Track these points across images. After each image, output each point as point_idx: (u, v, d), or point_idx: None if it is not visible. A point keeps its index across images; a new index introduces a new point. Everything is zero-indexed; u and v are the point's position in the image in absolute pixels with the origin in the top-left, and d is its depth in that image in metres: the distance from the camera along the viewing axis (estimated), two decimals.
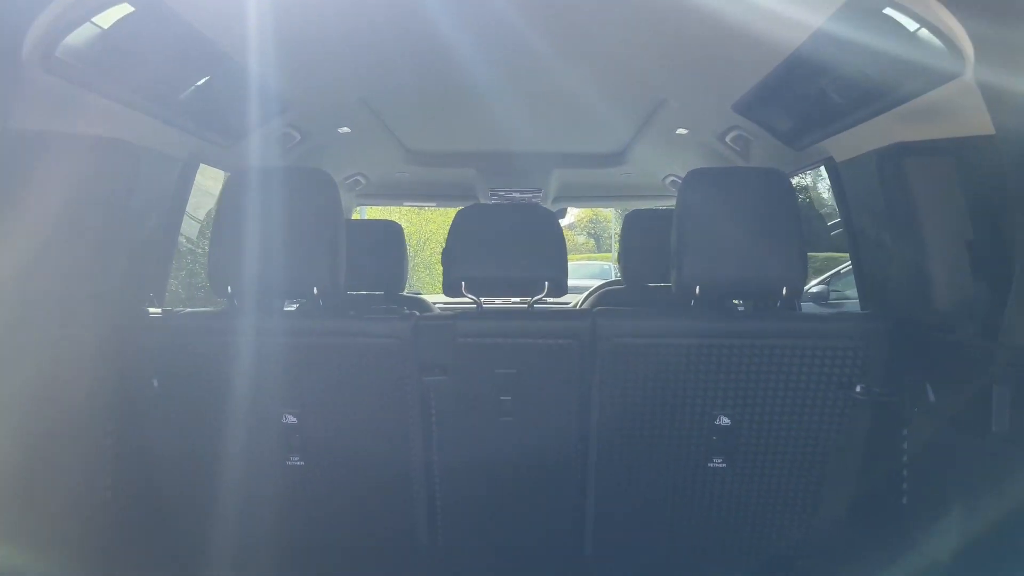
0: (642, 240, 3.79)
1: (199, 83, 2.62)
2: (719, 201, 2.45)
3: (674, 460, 2.59)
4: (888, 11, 2.08)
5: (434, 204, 5.17)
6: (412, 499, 2.66)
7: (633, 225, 3.81)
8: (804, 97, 2.69)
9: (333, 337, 2.46)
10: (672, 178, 4.73)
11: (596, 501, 2.66)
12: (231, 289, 2.46)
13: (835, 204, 3.10)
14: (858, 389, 2.46)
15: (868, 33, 2.15)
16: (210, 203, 4.11)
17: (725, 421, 2.54)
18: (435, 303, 4.76)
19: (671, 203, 5.28)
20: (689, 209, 2.46)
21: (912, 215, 2.33)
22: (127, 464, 2.45)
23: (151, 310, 2.54)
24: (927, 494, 2.25)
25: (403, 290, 4.00)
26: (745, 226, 2.43)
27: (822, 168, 3.03)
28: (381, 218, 4.59)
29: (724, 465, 2.59)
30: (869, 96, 2.29)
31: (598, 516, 2.67)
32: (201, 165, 3.12)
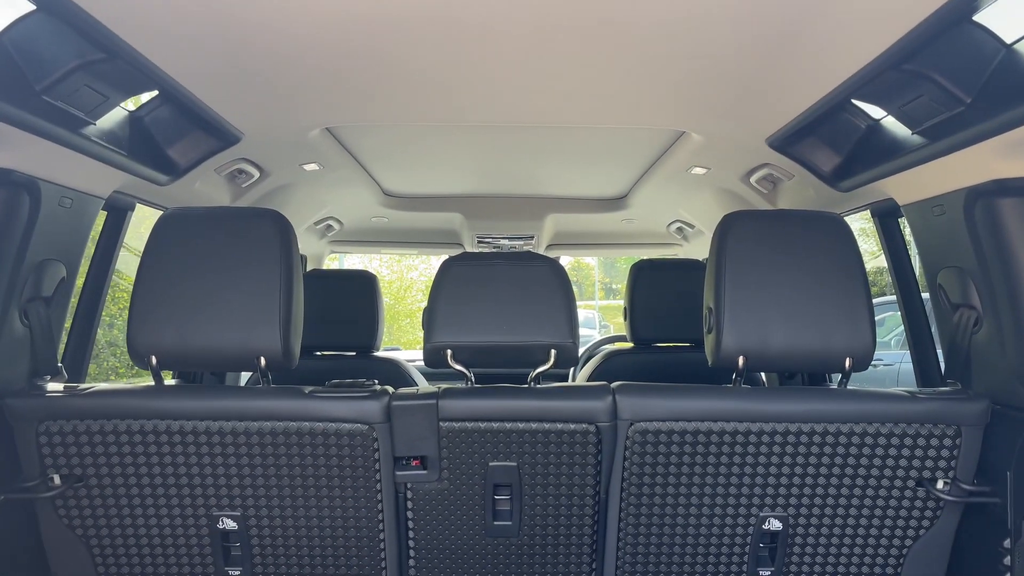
0: (652, 294, 3.32)
1: (125, 105, 2.14)
2: (768, 251, 1.99)
3: (712, 574, 2.08)
4: (980, 17, 1.66)
5: (415, 251, 4.70)
6: None
7: (641, 276, 3.34)
8: (861, 128, 2.25)
9: (282, 421, 1.94)
10: (678, 224, 4.29)
11: None
12: (155, 360, 1.95)
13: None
14: (940, 485, 1.97)
15: (958, 46, 1.72)
16: None
17: (775, 524, 2.04)
18: (413, 360, 4.24)
19: (673, 252, 4.85)
20: (730, 260, 1.99)
21: (1012, 269, 1.87)
22: None
23: (49, 386, 2.01)
24: None
25: (378, 348, 3.49)
26: (802, 283, 1.97)
27: None
28: (354, 268, 4.09)
29: None
30: (953, 125, 1.84)
31: None
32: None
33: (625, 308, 3.46)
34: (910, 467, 1.97)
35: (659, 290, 3.38)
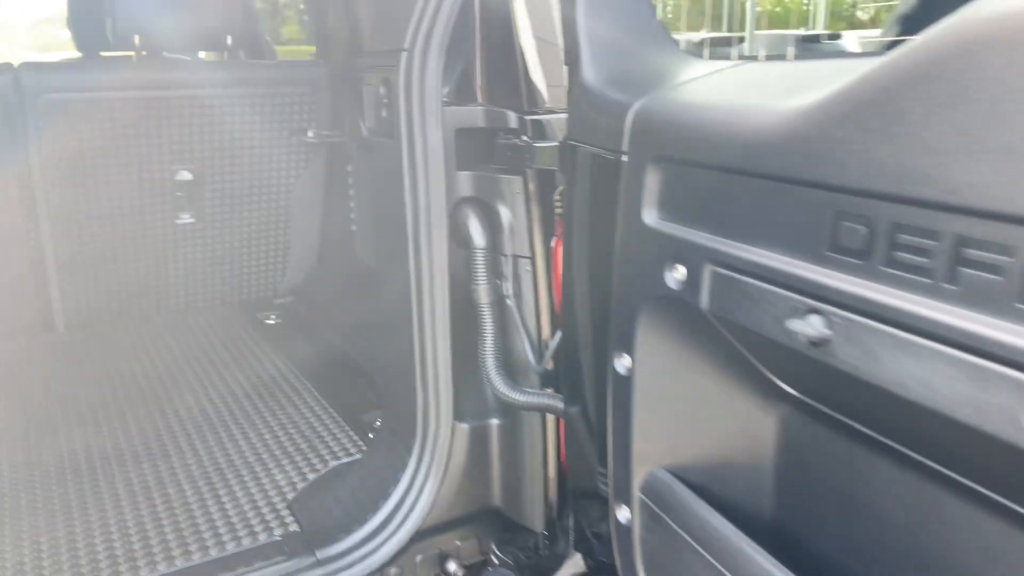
0: None
1: None
2: None
3: (140, 220, 2.57)
4: None
5: None
6: None
7: None
8: None
9: None
10: None
11: (59, 269, 2.52)
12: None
13: None
14: (310, 134, 2.68)
15: None
16: None
17: (187, 176, 2.58)
18: None
19: None
20: None
21: None
22: None
23: None
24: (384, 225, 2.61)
25: None
26: None
27: None
28: None
29: (193, 220, 2.65)
30: None
31: (62, 283, 2.54)
32: None
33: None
34: (285, 121, 2.63)
35: None
